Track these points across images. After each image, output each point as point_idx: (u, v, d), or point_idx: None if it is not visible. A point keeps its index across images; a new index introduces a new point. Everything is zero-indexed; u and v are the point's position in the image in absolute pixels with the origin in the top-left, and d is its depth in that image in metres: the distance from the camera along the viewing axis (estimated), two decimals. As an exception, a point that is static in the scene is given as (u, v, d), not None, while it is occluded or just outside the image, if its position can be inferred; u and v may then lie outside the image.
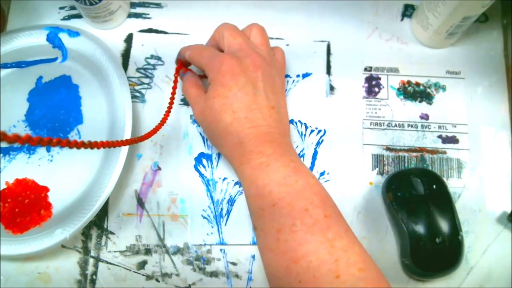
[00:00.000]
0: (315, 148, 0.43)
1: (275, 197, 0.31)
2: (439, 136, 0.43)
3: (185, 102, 0.44)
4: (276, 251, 0.31)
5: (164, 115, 0.39)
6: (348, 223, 0.32)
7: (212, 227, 0.40)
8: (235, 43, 0.37)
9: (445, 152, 0.43)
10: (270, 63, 0.37)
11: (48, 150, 0.41)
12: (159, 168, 0.42)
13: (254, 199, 0.33)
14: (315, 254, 0.29)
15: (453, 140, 0.43)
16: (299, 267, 0.29)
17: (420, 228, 0.37)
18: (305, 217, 0.30)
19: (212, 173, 0.42)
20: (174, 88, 0.40)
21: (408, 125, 0.44)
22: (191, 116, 0.43)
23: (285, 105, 0.38)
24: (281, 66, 0.41)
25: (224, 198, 0.41)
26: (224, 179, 0.41)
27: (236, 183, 0.41)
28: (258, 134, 0.34)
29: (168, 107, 0.40)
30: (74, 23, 0.46)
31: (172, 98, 0.40)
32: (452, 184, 0.42)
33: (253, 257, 0.40)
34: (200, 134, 0.43)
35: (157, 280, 0.39)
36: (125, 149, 0.39)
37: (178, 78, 0.42)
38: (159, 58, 0.45)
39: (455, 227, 0.37)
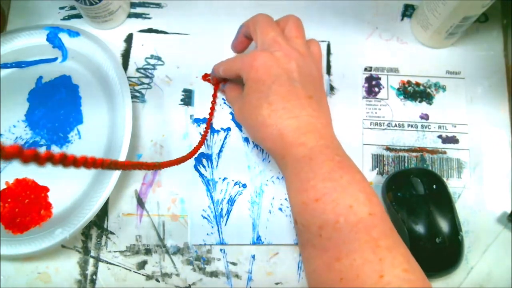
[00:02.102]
0: (315, 148, 0.43)
1: (319, 191, 0.30)
2: (439, 136, 0.43)
3: (185, 102, 0.44)
4: (317, 247, 0.30)
5: (202, 136, 0.41)
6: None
7: (212, 227, 0.40)
8: (267, 39, 0.36)
9: (445, 152, 0.43)
10: (305, 55, 0.36)
11: (48, 150, 0.41)
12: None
13: (297, 193, 0.32)
14: (359, 253, 0.28)
15: (453, 140, 0.43)
16: (341, 265, 0.28)
17: (420, 228, 0.37)
18: (349, 214, 0.29)
19: (212, 173, 0.42)
20: (212, 109, 0.42)
21: (408, 125, 0.44)
22: (191, 116, 0.43)
23: (325, 96, 0.37)
24: (318, 58, 0.39)
25: (224, 198, 0.41)
26: (224, 179, 0.42)
27: (236, 183, 0.41)
28: (298, 125, 0.33)
29: (206, 128, 0.42)
30: (74, 23, 0.46)
31: (209, 119, 0.42)
32: (452, 184, 0.42)
33: (253, 257, 0.40)
34: (200, 134, 0.43)
35: (157, 280, 0.39)
36: (125, 149, 0.39)
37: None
38: (159, 58, 0.45)
39: (455, 227, 0.37)
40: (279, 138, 0.33)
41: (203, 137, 0.41)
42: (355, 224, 0.29)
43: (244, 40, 0.41)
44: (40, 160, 0.16)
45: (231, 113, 0.43)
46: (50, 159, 0.16)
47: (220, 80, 0.42)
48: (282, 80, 0.34)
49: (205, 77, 0.44)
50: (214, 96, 0.43)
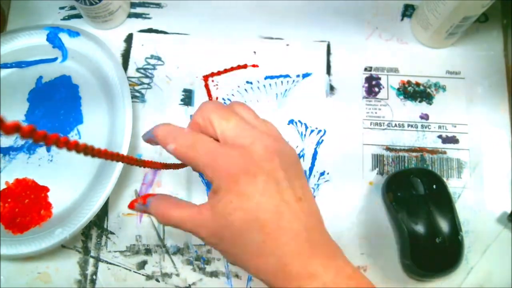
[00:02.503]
0: (315, 148, 0.43)
1: None
2: (439, 136, 0.43)
3: (185, 102, 0.44)
4: None
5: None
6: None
7: (212, 227, 0.40)
8: (230, 127, 0.28)
9: (445, 152, 0.43)
10: (276, 136, 0.29)
11: (48, 150, 0.41)
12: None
13: None
14: None
15: (453, 140, 0.43)
16: None
17: (420, 228, 0.37)
18: None
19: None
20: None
21: (408, 125, 0.44)
22: (191, 116, 0.43)
23: (306, 180, 0.29)
24: (279, 135, 0.31)
25: (224, 198, 0.41)
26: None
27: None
28: (300, 248, 0.26)
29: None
30: (74, 23, 0.46)
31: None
32: (452, 184, 0.42)
33: (253, 257, 0.40)
34: (200, 134, 0.43)
35: (157, 280, 0.39)
36: (125, 149, 0.39)
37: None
38: (159, 58, 0.45)
39: (455, 227, 0.37)
40: (282, 270, 0.26)
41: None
42: None
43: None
44: (36, 136, 0.16)
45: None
46: (45, 137, 0.17)
47: (152, 141, 0.30)
48: (270, 190, 0.26)
49: (132, 206, 0.31)
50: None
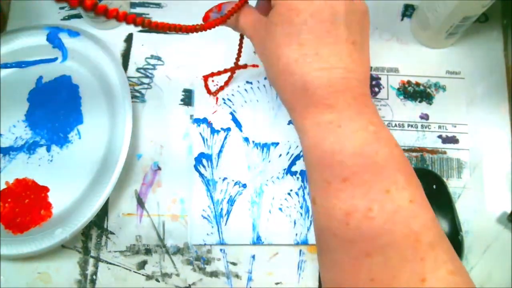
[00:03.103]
0: (315, 148, 0.43)
1: (347, 170, 0.24)
2: (439, 136, 0.43)
3: (185, 102, 0.44)
4: (342, 237, 0.25)
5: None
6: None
7: (212, 227, 0.40)
8: None
9: (445, 152, 0.43)
10: None
11: (48, 150, 0.41)
12: (159, 168, 0.42)
13: (318, 166, 0.26)
14: (396, 250, 0.23)
15: (453, 140, 0.43)
16: (373, 263, 0.24)
17: (420, 228, 0.37)
18: (386, 201, 0.24)
19: (212, 173, 0.42)
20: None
21: (408, 125, 0.44)
22: (191, 116, 0.43)
23: (368, 41, 0.29)
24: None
25: (224, 198, 0.41)
26: (224, 179, 0.41)
27: (236, 183, 0.41)
28: (330, 80, 0.26)
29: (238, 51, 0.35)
30: (74, 23, 0.46)
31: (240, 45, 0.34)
32: (452, 184, 0.42)
33: (253, 257, 0.40)
34: (200, 134, 0.43)
35: (157, 280, 0.39)
36: (125, 150, 0.39)
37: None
38: (159, 58, 0.45)
39: (455, 227, 0.37)
40: (303, 93, 0.26)
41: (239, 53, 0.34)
42: (392, 214, 0.23)
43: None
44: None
45: (231, 113, 0.43)
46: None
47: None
48: (324, 15, 0.26)
49: (207, 16, 0.32)
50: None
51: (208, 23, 0.29)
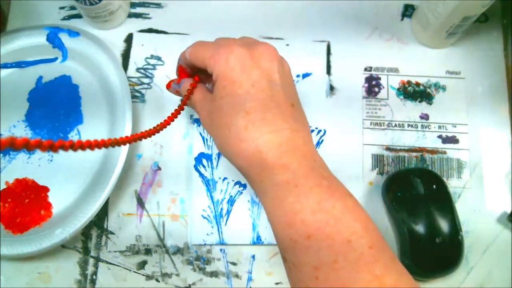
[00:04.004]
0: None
1: (310, 227, 0.26)
2: (439, 136, 0.43)
3: (185, 102, 0.44)
4: None
5: (167, 118, 0.34)
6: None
7: (212, 227, 0.40)
8: (241, 38, 0.32)
9: (445, 152, 0.43)
10: (277, 52, 0.32)
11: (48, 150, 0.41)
12: (159, 168, 0.42)
13: (282, 226, 0.27)
14: None
15: (453, 140, 0.43)
16: None
17: (420, 228, 0.37)
18: (348, 251, 0.25)
19: (212, 173, 0.42)
20: (183, 104, 0.35)
21: (408, 125, 0.44)
22: (191, 116, 0.43)
23: (299, 100, 0.32)
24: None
25: (224, 198, 0.41)
26: (224, 179, 0.41)
27: (236, 183, 0.41)
28: (280, 141, 0.28)
29: (175, 111, 0.35)
30: (74, 23, 0.46)
31: (180, 108, 0.35)
32: (452, 184, 0.42)
33: (253, 257, 0.40)
34: (200, 134, 0.43)
35: (157, 280, 0.39)
36: (125, 149, 0.39)
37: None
38: (159, 58, 0.45)
39: (455, 227, 0.37)
40: (257, 157, 0.28)
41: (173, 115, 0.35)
42: (356, 262, 0.25)
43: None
44: (29, 147, 0.17)
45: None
46: (39, 145, 0.18)
47: (185, 71, 0.35)
48: (263, 84, 0.28)
49: (169, 85, 0.37)
50: (187, 93, 0.34)
51: (169, 117, 0.33)
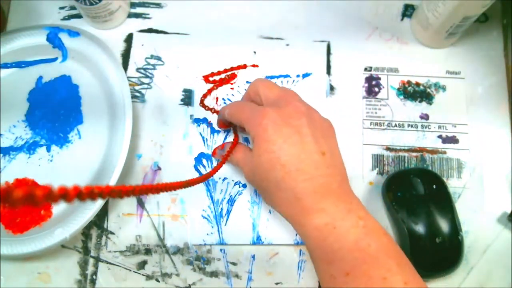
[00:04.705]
0: (315, 148, 0.43)
1: (348, 265, 0.29)
2: (439, 136, 0.43)
3: (185, 102, 0.44)
4: None
5: (214, 168, 0.38)
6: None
7: (212, 227, 0.40)
8: (272, 94, 0.35)
9: (445, 152, 0.43)
10: (312, 108, 0.35)
11: (48, 150, 0.41)
12: (159, 168, 0.42)
13: (323, 263, 0.30)
14: None
15: (453, 140, 0.43)
16: None
17: (420, 228, 0.37)
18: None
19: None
20: (225, 158, 0.38)
21: (408, 125, 0.44)
22: (191, 116, 0.43)
23: (337, 146, 0.34)
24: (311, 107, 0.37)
25: (224, 198, 0.41)
26: (224, 179, 0.41)
27: (236, 183, 0.41)
28: (314, 188, 0.31)
29: (219, 164, 0.39)
30: (74, 23, 0.46)
31: (222, 163, 0.38)
32: (452, 184, 0.42)
33: (253, 257, 0.40)
34: (200, 134, 0.43)
35: (157, 280, 0.39)
36: (125, 149, 0.39)
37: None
38: (159, 58, 0.45)
39: (455, 227, 0.37)
40: (296, 204, 0.31)
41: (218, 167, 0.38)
42: None
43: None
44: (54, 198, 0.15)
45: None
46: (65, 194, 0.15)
47: (225, 124, 0.40)
48: (294, 139, 0.31)
49: (214, 153, 0.42)
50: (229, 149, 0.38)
51: (213, 170, 0.37)
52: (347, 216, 0.30)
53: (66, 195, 0.15)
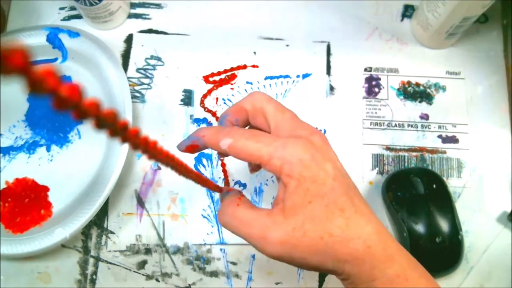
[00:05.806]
0: (315, 148, 0.43)
1: None
2: (439, 136, 0.43)
3: (185, 102, 0.44)
4: None
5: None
6: None
7: (212, 226, 0.40)
8: (286, 119, 0.27)
9: (445, 152, 0.43)
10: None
11: (48, 150, 0.41)
12: (159, 168, 0.42)
13: None
14: None
15: (453, 140, 0.43)
16: None
17: (420, 228, 0.37)
18: None
19: (212, 173, 0.42)
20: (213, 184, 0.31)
21: (408, 125, 0.44)
22: (191, 116, 0.43)
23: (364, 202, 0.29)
24: None
25: (224, 198, 0.41)
26: (224, 179, 0.41)
27: (236, 182, 0.41)
28: (377, 230, 0.25)
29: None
30: (74, 24, 0.46)
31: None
32: (452, 184, 0.42)
33: (253, 257, 0.40)
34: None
35: (157, 280, 0.39)
36: (125, 148, 0.39)
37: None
38: (159, 59, 0.45)
39: (455, 227, 0.37)
40: (367, 254, 0.24)
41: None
42: None
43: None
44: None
45: None
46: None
47: (196, 149, 0.30)
48: (338, 174, 0.26)
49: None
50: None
51: (218, 188, 0.31)
52: (409, 262, 0.25)
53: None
